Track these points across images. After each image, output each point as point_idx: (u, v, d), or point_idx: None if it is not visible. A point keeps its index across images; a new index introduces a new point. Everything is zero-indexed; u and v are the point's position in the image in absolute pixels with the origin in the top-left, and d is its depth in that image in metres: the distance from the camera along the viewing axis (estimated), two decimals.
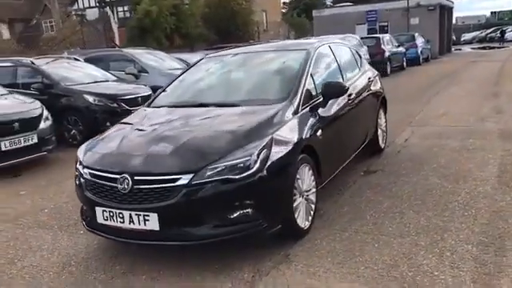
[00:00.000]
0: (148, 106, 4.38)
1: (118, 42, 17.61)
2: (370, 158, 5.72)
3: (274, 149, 3.26)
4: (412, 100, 10.68)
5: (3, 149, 6.16)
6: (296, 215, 3.46)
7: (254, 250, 3.38)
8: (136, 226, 3.10)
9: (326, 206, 4.20)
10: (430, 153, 5.86)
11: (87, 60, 11.12)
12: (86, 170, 3.41)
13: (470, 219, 3.74)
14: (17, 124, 6.35)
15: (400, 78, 16.66)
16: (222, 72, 4.69)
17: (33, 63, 8.67)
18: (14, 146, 6.28)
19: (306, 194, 3.64)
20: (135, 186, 3.09)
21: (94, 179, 3.31)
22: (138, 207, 3.07)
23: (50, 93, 8.19)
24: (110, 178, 3.21)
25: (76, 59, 9.79)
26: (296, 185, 3.45)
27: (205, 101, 4.05)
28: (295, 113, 3.73)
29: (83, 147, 3.71)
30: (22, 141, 6.40)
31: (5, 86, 8.50)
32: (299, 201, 3.52)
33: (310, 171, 3.70)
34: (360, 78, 5.37)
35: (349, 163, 5.04)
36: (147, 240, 3.14)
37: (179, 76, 4.79)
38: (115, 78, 9.27)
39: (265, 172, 3.13)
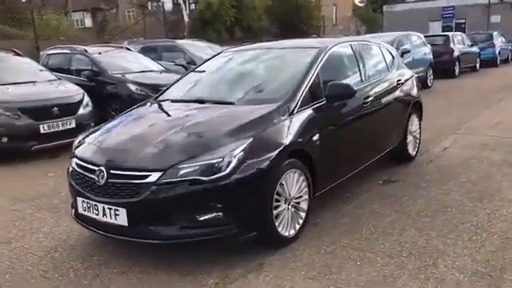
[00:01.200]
0: (155, 98, 4.39)
1: (186, 34, 18.07)
2: (397, 166, 5.36)
3: (253, 151, 3.13)
4: (470, 105, 9.89)
5: (42, 131, 6.52)
6: (277, 223, 3.30)
7: (230, 255, 3.28)
8: (108, 220, 3.12)
9: (325, 215, 3.98)
10: (465, 165, 5.36)
11: (143, 49, 11.52)
12: (74, 160, 3.49)
13: (477, 245, 3.36)
14: (56, 109, 6.69)
15: (468, 79, 15.50)
16: (229, 68, 4.59)
17: (85, 51, 9.10)
18: (52, 130, 6.63)
19: (294, 201, 3.47)
20: (109, 180, 3.10)
21: (78, 169, 3.37)
22: (110, 201, 3.08)
23: (97, 80, 8.57)
24: (90, 169, 3.25)
25: (128, 49, 10.12)
26: (280, 190, 3.29)
27: (203, 97, 3.97)
28: (290, 114, 3.54)
29: (80, 137, 3.80)
30: (61, 125, 6.73)
31: (61, 71, 9.06)
32: (283, 207, 3.36)
33: (302, 177, 3.51)
34: (387, 81, 5.02)
35: (368, 170, 4.78)
36: (117, 235, 3.15)
37: (194, 69, 4.76)
38: (162, 69, 9.48)
39: (238, 175, 3.01)
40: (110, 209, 3.09)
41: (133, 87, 8.21)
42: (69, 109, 6.90)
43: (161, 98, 4.34)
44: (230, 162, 3.00)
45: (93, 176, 3.20)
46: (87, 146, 3.52)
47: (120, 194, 3.05)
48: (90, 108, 7.28)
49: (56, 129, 6.67)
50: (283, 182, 3.32)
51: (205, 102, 3.86)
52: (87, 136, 3.72)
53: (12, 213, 4.49)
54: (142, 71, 8.95)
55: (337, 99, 3.90)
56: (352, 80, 4.40)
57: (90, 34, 17.24)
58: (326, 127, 3.82)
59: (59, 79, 7.83)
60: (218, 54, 4.97)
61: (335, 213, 4.06)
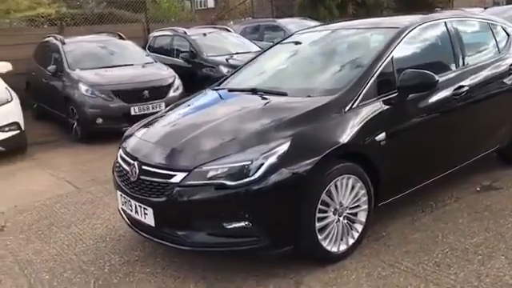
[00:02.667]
0: (217, 85, 4.10)
1: (295, 12, 17.54)
2: (504, 168, 4.42)
3: (292, 153, 2.69)
4: None
5: (132, 113, 6.72)
6: (321, 236, 2.84)
7: (268, 267, 2.92)
8: (139, 218, 2.97)
9: (395, 227, 3.39)
10: None
11: (244, 30, 11.40)
12: (119, 152, 3.38)
13: None
14: (147, 92, 6.85)
15: None
16: (293, 52, 4.10)
17: (185, 33, 9.22)
18: (142, 112, 6.80)
19: (347, 211, 2.96)
20: (140, 176, 2.92)
21: (120, 161, 3.26)
22: (140, 198, 2.91)
23: (194, 62, 8.65)
24: (128, 162, 3.11)
25: (227, 30, 10.03)
26: (327, 200, 2.82)
27: (258, 86, 3.57)
28: (348, 109, 3.01)
29: (130, 128, 3.68)
30: (151, 108, 6.88)
31: (164, 52, 9.36)
32: (331, 219, 2.88)
33: (359, 184, 2.98)
34: (495, 66, 4.09)
35: (466, 172, 4.00)
36: (148, 235, 2.97)
37: (261, 53, 4.38)
38: (259, 50, 9.23)
39: (270, 181, 2.61)
40: (140, 206, 2.92)
41: (224, 70, 8.08)
42: (159, 92, 7.02)
43: (222, 85, 4.05)
44: (260, 166, 2.61)
45: (128, 170, 3.05)
46: (133, 137, 3.39)
47: (148, 193, 2.86)
48: (180, 91, 7.33)
49: (146, 111, 6.81)
50: (332, 190, 2.84)
51: (257, 92, 3.47)
52: (135, 127, 3.58)
53: (86, 195, 4.65)
54: (237, 53, 8.80)
55: (411, 91, 3.23)
56: (439, 67, 3.63)
57: (202, 16, 17.44)
58: (397, 125, 3.19)
59: (155, 62, 8.03)
60: (290, 36, 4.50)
61: (407, 225, 3.43)
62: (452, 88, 3.56)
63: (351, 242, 3.02)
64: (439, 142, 3.56)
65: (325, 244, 2.87)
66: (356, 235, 3.05)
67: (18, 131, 6.17)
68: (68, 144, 6.90)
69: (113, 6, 13.01)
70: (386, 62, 3.25)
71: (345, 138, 2.89)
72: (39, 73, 8.03)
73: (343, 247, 2.98)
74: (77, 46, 7.86)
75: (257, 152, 2.66)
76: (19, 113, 6.29)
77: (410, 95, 3.25)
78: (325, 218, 2.85)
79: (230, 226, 2.67)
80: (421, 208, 3.68)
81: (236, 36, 9.82)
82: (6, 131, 6.03)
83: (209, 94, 3.82)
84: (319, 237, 2.83)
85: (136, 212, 2.97)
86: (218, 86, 4.06)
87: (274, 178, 2.62)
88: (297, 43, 4.17)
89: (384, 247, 3.14)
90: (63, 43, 7.77)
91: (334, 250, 2.93)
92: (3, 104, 6.07)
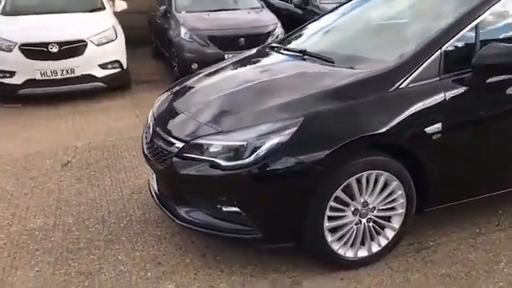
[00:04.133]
0: (279, 42, 3.63)
1: None
2: None
3: (300, 137, 2.24)
4: None
5: None
6: (332, 237, 2.40)
7: (271, 259, 2.60)
8: (150, 180, 2.84)
9: (447, 241, 2.75)
10: None
11: None
12: (149, 115, 3.19)
13: None
14: (242, 39, 6.61)
15: None
16: (364, 11, 3.39)
17: None
18: None
19: (373, 213, 2.45)
20: (153, 139, 2.75)
21: (146, 128, 3.08)
22: (150, 160, 2.75)
23: (305, 9, 8.09)
24: (148, 124, 2.94)
25: None
26: (343, 197, 2.34)
27: (308, 48, 3.02)
28: (394, 88, 2.39)
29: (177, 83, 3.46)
30: None
31: None
32: (349, 220, 2.41)
33: (395, 183, 2.42)
34: None
35: None
36: (156, 199, 2.82)
37: (332, 10, 3.77)
38: None
39: (265, 168, 2.23)
40: (150, 169, 2.78)
41: None
42: (256, 40, 6.66)
43: (281, 43, 3.58)
44: (254, 149, 2.23)
45: (147, 131, 2.90)
46: (163, 95, 3.20)
47: (155, 157, 2.68)
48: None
49: None
50: (352, 186, 2.34)
51: (305, 55, 2.96)
52: (166, 91, 3.34)
53: None
54: None
55: (493, 72, 2.44)
56: None
57: None
58: (462, 116, 2.48)
59: (262, 7, 7.67)
60: None
61: (464, 240, 2.75)
62: None
63: (375, 249, 2.52)
64: None
65: (336, 247, 2.43)
66: (384, 242, 2.53)
67: (119, 69, 6.48)
68: (167, 86, 7.08)
69: None
70: (463, 31, 2.48)
71: (379, 125, 2.32)
72: (156, 12, 8.29)
73: (363, 253, 2.50)
74: None
75: (254, 132, 2.27)
76: (122, 51, 6.57)
77: (490, 78, 2.46)
78: (340, 217, 2.39)
79: (225, 209, 2.38)
80: (488, 222, 2.93)
81: None
82: (109, 68, 6.37)
83: (258, 53, 3.42)
84: (329, 238, 2.39)
85: (152, 178, 2.83)
86: (280, 42, 3.61)
87: (271, 165, 2.22)
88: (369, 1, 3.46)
89: (421, 263, 2.57)
90: None
91: (350, 255, 2.47)
92: (107, 42, 6.36)
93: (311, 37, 3.44)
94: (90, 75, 6.17)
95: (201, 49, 6.62)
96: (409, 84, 2.40)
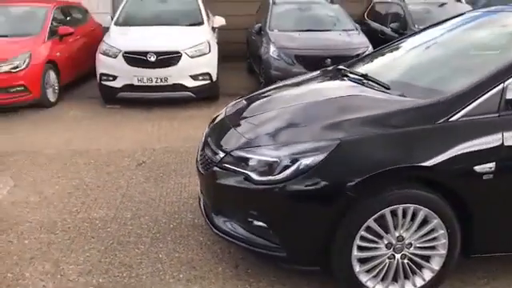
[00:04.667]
0: (339, 67, 3.57)
1: None
2: None
3: (334, 161, 2.21)
4: None
5: None
6: (360, 268, 2.31)
7: (300, 279, 2.57)
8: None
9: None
10: None
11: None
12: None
13: None
14: (329, 60, 6.59)
15: None
16: (439, 40, 3.21)
17: (402, 1, 8.37)
18: None
19: (410, 249, 2.32)
20: (204, 147, 2.87)
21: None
22: (199, 172, 2.86)
23: (402, 34, 7.84)
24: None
25: (458, 1, 8.62)
26: (375, 228, 2.25)
27: (370, 73, 2.93)
28: (443, 120, 2.25)
29: None
30: None
31: (378, 19, 8.81)
32: (381, 253, 2.31)
33: (435, 221, 2.27)
34: None
35: None
36: (202, 208, 2.92)
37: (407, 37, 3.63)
38: None
39: (293, 187, 2.23)
40: (199, 178, 2.92)
41: None
42: (343, 61, 6.64)
43: (349, 66, 3.53)
44: (286, 167, 2.24)
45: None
46: (228, 107, 3.33)
47: (202, 164, 2.80)
48: None
49: None
50: (386, 218, 2.24)
51: (366, 79, 2.89)
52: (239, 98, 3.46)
53: None
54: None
55: None
56: None
57: None
58: None
59: (356, 29, 7.61)
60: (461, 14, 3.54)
61: None
62: None
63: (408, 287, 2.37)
64: None
65: (364, 279, 2.33)
66: (420, 283, 2.37)
67: (209, 81, 6.83)
68: None
69: None
70: None
71: (420, 159, 2.20)
72: (251, 30, 8.62)
73: None
74: (285, 6, 8.06)
75: (289, 150, 2.28)
76: (213, 65, 6.92)
77: None
78: (371, 248, 2.29)
79: (255, 223, 2.42)
80: None
81: (465, 7, 8.37)
82: (199, 79, 6.75)
83: (320, 74, 3.43)
84: (357, 268, 2.31)
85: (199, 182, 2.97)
86: (349, 65, 3.58)
87: (300, 185, 2.22)
88: (451, 26, 3.28)
89: None
90: (274, 3, 8.08)
91: None
92: (200, 55, 6.75)
93: (380, 61, 3.36)
94: (181, 85, 6.59)
95: (287, 67, 6.74)
96: (461, 117, 2.25)
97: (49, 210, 3.49)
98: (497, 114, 2.25)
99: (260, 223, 2.38)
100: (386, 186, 2.23)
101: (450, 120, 2.25)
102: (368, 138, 2.27)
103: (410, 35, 3.69)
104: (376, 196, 2.22)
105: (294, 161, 2.24)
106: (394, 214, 2.25)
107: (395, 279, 2.36)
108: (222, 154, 2.56)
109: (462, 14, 3.52)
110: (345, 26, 7.59)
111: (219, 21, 7.99)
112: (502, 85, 2.27)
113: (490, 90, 2.27)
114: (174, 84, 6.55)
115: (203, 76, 6.78)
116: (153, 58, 6.45)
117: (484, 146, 2.22)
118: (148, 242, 3.04)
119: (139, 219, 3.35)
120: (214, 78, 6.90)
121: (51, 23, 7.23)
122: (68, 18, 8.06)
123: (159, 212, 3.46)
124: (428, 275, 2.37)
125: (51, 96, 6.78)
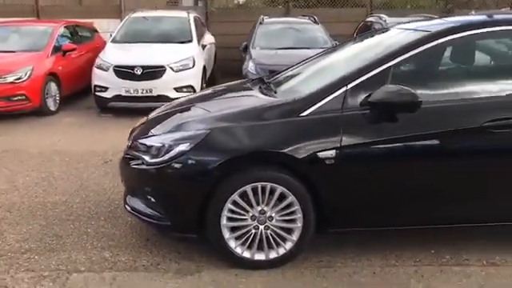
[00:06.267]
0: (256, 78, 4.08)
1: None
2: None
3: (204, 146, 2.74)
4: None
5: None
6: (230, 235, 2.80)
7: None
8: None
9: (348, 264, 2.92)
10: None
11: None
12: None
13: None
14: None
15: None
16: (337, 54, 3.70)
17: (384, 21, 8.81)
18: None
19: (271, 222, 2.80)
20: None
21: None
22: None
23: None
24: None
25: None
26: (240, 202, 2.75)
27: (270, 81, 3.47)
28: (300, 114, 2.75)
29: None
30: None
31: None
32: (247, 223, 2.80)
33: (290, 198, 2.75)
34: None
35: None
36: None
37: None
38: None
39: (173, 167, 2.76)
40: None
41: None
42: None
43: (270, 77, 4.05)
44: (168, 150, 2.77)
45: None
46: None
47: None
48: None
49: None
50: (248, 195, 2.73)
51: (266, 86, 3.42)
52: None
53: None
54: None
55: (384, 109, 2.66)
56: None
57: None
58: (360, 147, 2.70)
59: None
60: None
61: (371, 267, 2.89)
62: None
63: (272, 255, 2.84)
64: (417, 182, 2.81)
65: (233, 245, 2.81)
66: (281, 252, 2.84)
67: (192, 92, 7.44)
68: None
69: None
70: (367, 76, 2.76)
71: (275, 145, 2.70)
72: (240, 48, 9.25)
73: (260, 257, 2.84)
74: (270, 26, 8.66)
75: (171, 137, 2.83)
76: (196, 79, 7.56)
77: (383, 115, 2.68)
78: (238, 219, 2.78)
79: (149, 199, 2.95)
80: (411, 256, 2.99)
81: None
82: (183, 91, 7.36)
83: (245, 82, 3.98)
84: (226, 235, 2.80)
85: None
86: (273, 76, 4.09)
87: (177, 165, 2.74)
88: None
89: (313, 277, 2.79)
90: (261, 23, 8.70)
91: (247, 255, 2.83)
92: (184, 70, 7.41)
93: (291, 73, 3.85)
94: (164, 96, 7.20)
95: None
96: (313, 112, 2.73)
97: (13, 195, 4.12)
98: (340, 112, 2.73)
99: (152, 198, 2.92)
100: (246, 167, 2.72)
101: (301, 115, 2.74)
102: (234, 128, 2.78)
103: (321, 53, 4.17)
104: (238, 175, 2.72)
105: (174, 146, 2.78)
106: (255, 190, 2.74)
107: (261, 248, 2.83)
108: (128, 143, 3.13)
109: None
110: (323, 44, 8.08)
111: (208, 39, 8.68)
112: (345, 87, 2.75)
113: (336, 91, 2.75)
114: (159, 95, 7.18)
115: (187, 88, 7.40)
116: (139, 72, 7.14)
117: (327, 137, 2.69)
118: (84, 220, 3.61)
119: (84, 203, 3.93)
120: (198, 90, 7.51)
121: (56, 40, 8.10)
122: (75, 36, 8.94)
123: (104, 198, 4.03)
124: (288, 245, 2.82)
125: (52, 105, 7.55)
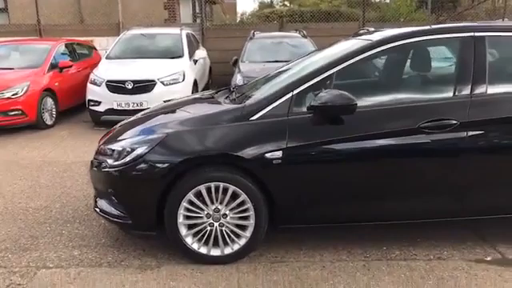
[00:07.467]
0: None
1: None
2: None
3: (161, 149, 2.94)
4: None
5: None
6: (186, 232, 2.99)
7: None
8: None
9: (300, 259, 3.08)
10: None
11: None
12: None
13: None
14: None
15: None
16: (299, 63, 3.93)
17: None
18: None
19: (226, 219, 2.98)
20: None
21: None
22: None
23: None
24: None
25: None
26: (195, 201, 2.93)
27: (235, 90, 3.69)
28: (249, 119, 2.95)
29: None
30: None
31: None
32: (202, 221, 2.98)
33: (242, 197, 2.92)
34: None
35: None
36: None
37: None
38: None
39: (132, 168, 2.95)
40: None
41: None
42: None
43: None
44: (127, 154, 2.98)
45: None
46: None
47: None
48: None
49: None
50: (203, 194, 2.92)
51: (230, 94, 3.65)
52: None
53: None
54: None
55: (325, 112, 2.86)
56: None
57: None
58: (304, 148, 2.88)
59: None
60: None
61: (322, 263, 3.05)
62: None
63: (227, 251, 3.01)
64: (357, 181, 2.99)
65: (190, 241, 3.00)
66: (236, 247, 3.01)
67: None
68: None
69: (347, 5, 13.51)
70: (311, 83, 2.98)
71: (226, 147, 2.90)
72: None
73: (215, 253, 3.01)
74: (260, 41, 8.94)
75: (131, 142, 3.05)
76: (186, 92, 7.75)
77: (325, 116, 2.87)
78: (194, 217, 2.97)
79: (113, 199, 3.16)
80: (356, 257, 3.14)
81: None
82: None
83: (218, 91, 4.18)
84: (183, 232, 2.98)
85: None
86: (244, 85, 4.33)
87: (136, 167, 2.94)
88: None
89: (265, 270, 2.96)
90: (251, 38, 8.98)
91: (203, 251, 3.01)
92: (173, 83, 7.68)
93: (261, 82, 4.05)
94: None
95: None
96: (259, 117, 2.93)
97: None
98: (286, 116, 2.92)
99: (115, 199, 3.12)
100: (199, 168, 2.92)
101: (251, 119, 2.94)
102: (189, 132, 2.99)
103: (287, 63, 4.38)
104: (192, 176, 2.91)
105: (132, 150, 2.99)
106: (209, 190, 2.93)
107: (217, 244, 3.01)
108: (96, 149, 3.35)
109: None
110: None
111: (201, 54, 8.96)
112: (291, 93, 2.95)
113: (282, 97, 2.95)
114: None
115: None
116: (130, 86, 7.42)
117: (274, 139, 2.88)
118: (60, 223, 3.81)
119: (64, 208, 4.14)
120: None
121: (54, 57, 8.44)
122: (73, 53, 9.29)
123: (83, 204, 4.24)
124: (242, 241, 3.00)
125: (48, 119, 7.84)
